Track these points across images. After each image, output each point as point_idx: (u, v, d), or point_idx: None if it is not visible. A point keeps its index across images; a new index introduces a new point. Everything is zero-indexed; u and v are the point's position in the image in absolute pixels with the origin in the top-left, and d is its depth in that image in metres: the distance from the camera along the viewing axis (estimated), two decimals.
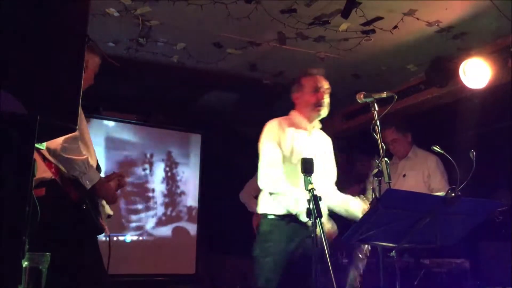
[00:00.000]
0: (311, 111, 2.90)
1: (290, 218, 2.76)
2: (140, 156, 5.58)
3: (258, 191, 5.07)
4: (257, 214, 4.95)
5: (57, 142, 2.32)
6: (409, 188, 3.85)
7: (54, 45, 1.29)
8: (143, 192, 5.54)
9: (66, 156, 2.35)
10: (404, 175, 4.06)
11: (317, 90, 2.89)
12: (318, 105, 2.87)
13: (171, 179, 5.72)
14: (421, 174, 3.97)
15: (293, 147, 2.83)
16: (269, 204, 2.86)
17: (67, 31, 1.32)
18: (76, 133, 2.36)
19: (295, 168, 2.70)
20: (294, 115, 2.98)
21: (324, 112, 2.91)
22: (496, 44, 3.84)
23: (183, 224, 5.71)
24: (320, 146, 2.99)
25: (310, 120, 2.94)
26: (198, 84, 4.86)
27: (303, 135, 2.92)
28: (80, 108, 2.47)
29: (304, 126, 2.94)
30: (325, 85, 2.93)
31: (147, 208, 5.52)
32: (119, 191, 2.80)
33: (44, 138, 1.53)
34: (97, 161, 2.69)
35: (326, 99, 2.90)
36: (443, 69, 4.08)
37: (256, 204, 5.01)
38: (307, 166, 2.39)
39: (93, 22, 3.48)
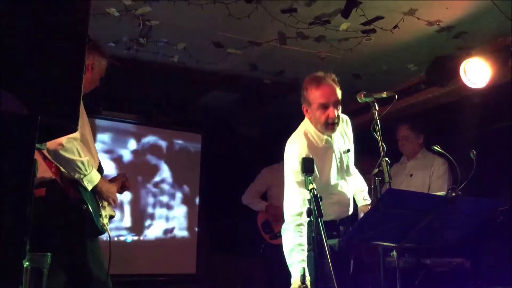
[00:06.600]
0: (323, 130, 2.69)
1: None
2: (140, 156, 5.58)
3: (260, 193, 5.10)
4: (262, 212, 4.99)
5: (57, 143, 2.32)
6: (415, 188, 3.86)
7: (55, 45, 1.28)
8: (143, 192, 5.54)
9: (66, 156, 2.35)
10: (411, 175, 4.06)
11: (326, 106, 2.64)
12: (329, 123, 2.65)
13: (171, 179, 5.72)
14: (428, 175, 3.97)
15: (318, 166, 2.62)
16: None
17: (68, 31, 1.32)
18: (76, 134, 2.36)
19: (324, 186, 2.64)
20: (309, 128, 2.76)
21: (337, 127, 2.70)
22: (497, 44, 3.85)
23: (183, 224, 5.71)
24: (342, 149, 2.82)
25: (325, 134, 2.74)
26: (198, 84, 4.85)
27: (323, 150, 2.74)
28: (83, 109, 2.49)
29: (321, 141, 2.74)
30: (334, 97, 2.66)
31: (148, 208, 5.52)
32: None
33: (45, 138, 1.53)
34: (100, 162, 2.69)
35: (337, 114, 2.65)
36: (444, 68, 4.08)
37: (260, 202, 5.05)
38: (307, 166, 2.38)
39: (94, 22, 3.48)
